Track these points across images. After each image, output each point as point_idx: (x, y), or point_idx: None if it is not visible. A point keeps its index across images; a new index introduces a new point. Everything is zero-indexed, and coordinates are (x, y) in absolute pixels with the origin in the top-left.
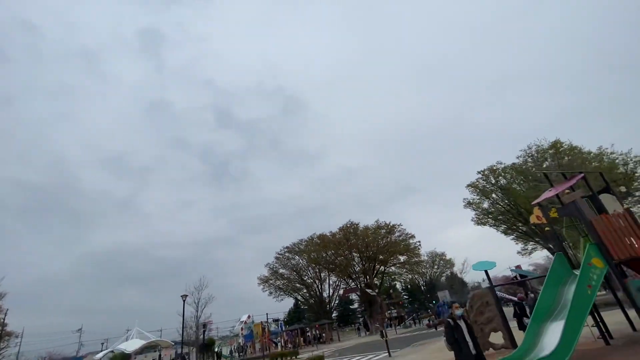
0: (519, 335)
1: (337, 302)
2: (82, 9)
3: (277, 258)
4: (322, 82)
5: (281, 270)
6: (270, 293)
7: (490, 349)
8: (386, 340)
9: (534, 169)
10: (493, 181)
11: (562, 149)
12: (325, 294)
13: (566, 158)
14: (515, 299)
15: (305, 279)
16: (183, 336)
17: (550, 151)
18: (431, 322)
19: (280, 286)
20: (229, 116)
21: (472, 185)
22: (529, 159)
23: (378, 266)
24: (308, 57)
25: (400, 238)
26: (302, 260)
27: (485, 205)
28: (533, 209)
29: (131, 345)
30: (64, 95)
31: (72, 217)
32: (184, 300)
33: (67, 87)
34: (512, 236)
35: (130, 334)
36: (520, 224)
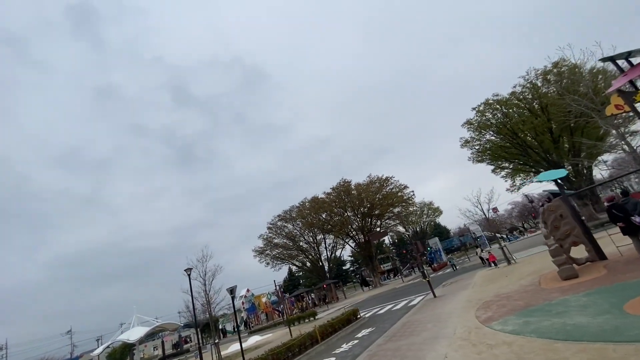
0: (622, 241)
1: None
2: None
3: (269, 228)
4: (279, 49)
5: (275, 240)
6: (267, 264)
7: (574, 264)
8: (429, 281)
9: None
10: (489, 115)
11: (564, 68)
12: (323, 257)
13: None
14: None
15: (301, 244)
16: (195, 315)
17: (554, 70)
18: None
19: (277, 255)
20: (186, 94)
21: (468, 123)
22: (527, 86)
23: (374, 221)
24: (260, 22)
25: (394, 190)
26: (296, 226)
27: (487, 137)
28: (610, 98)
29: (134, 334)
30: None
31: (29, 221)
32: (188, 275)
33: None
34: (503, 173)
35: (130, 322)
36: (521, 155)
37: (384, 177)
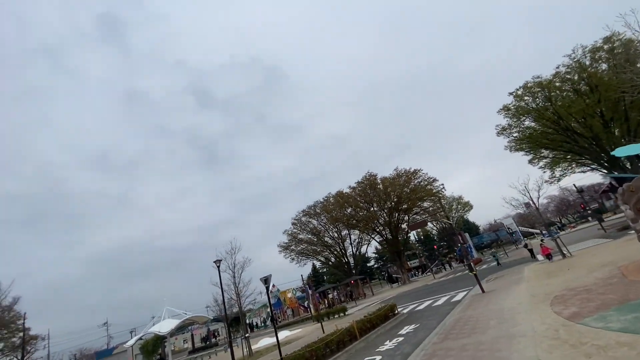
0: None
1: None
2: (31, 3)
3: (294, 224)
4: (298, 47)
5: (300, 236)
6: (292, 259)
7: None
8: (476, 275)
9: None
10: (529, 99)
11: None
12: (348, 253)
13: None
14: None
15: (326, 239)
16: (225, 307)
17: (605, 47)
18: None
19: (302, 251)
20: (208, 96)
21: (505, 109)
22: (573, 66)
23: (402, 216)
24: (278, 21)
25: (423, 183)
26: (320, 221)
27: (527, 123)
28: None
29: (165, 327)
30: (33, 99)
31: (68, 220)
32: (218, 266)
33: (35, 89)
34: (541, 164)
35: (161, 315)
36: (565, 142)
37: (411, 170)
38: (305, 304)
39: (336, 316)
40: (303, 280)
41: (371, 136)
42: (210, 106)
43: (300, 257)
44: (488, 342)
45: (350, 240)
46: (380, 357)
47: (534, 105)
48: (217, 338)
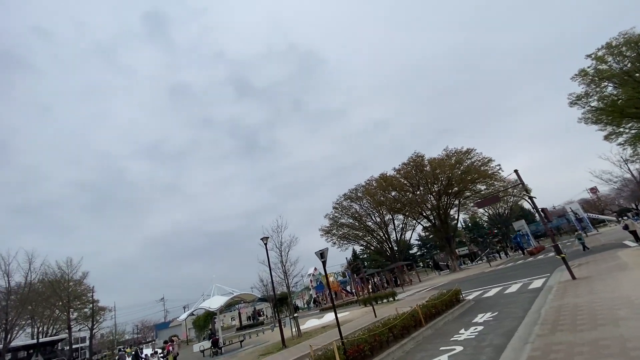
0: None
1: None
2: (85, 6)
3: (335, 208)
4: (334, 32)
5: (342, 220)
6: (334, 243)
7: None
8: (564, 258)
9: None
10: (612, 61)
11: None
12: (392, 238)
13: None
14: None
15: (368, 224)
16: (273, 285)
17: None
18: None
19: (343, 235)
20: (247, 85)
21: (582, 74)
22: None
23: (452, 200)
24: (314, 6)
25: (476, 163)
26: (362, 205)
27: (609, 90)
28: None
29: (214, 303)
30: (92, 95)
31: (127, 206)
32: (265, 244)
33: (93, 87)
34: (621, 140)
35: (210, 292)
36: None
37: (463, 150)
38: (347, 288)
39: (384, 301)
40: (349, 262)
41: (412, 120)
42: (249, 96)
43: (341, 242)
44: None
45: (394, 226)
46: (460, 347)
47: (619, 67)
48: (262, 317)
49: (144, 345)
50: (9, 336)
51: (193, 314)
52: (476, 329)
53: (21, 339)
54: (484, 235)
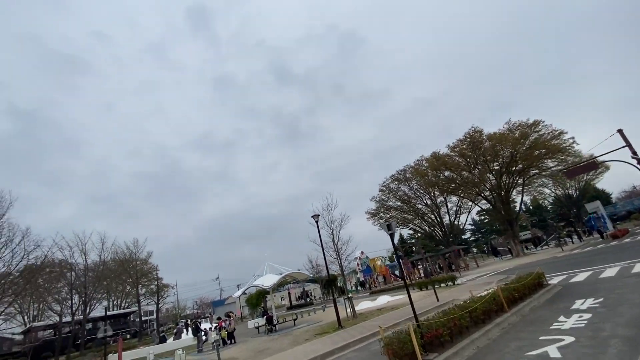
0: None
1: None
2: (136, 7)
3: (381, 190)
4: (374, 7)
5: (389, 203)
6: (381, 227)
7: None
8: None
9: None
10: None
11: None
12: (445, 221)
13: None
14: None
15: (419, 207)
16: (326, 261)
17: None
18: None
19: (392, 218)
20: (287, 72)
21: None
22: None
23: (515, 179)
24: None
25: (546, 137)
26: (412, 187)
27: None
28: None
29: (267, 281)
30: (148, 92)
31: (184, 193)
32: (316, 221)
33: (148, 84)
34: None
35: (263, 270)
36: None
37: (529, 122)
38: (396, 272)
39: (442, 285)
40: (401, 245)
41: (462, 97)
42: (289, 83)
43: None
44: None
45: (447, 208)
46: (570, 338)
47: None
48: (310, 298)
49: (202, 319)
50: (87, 308)
51: (245, 293)
52: (582, 316)
53: (99, 310)
54: (553, 217)
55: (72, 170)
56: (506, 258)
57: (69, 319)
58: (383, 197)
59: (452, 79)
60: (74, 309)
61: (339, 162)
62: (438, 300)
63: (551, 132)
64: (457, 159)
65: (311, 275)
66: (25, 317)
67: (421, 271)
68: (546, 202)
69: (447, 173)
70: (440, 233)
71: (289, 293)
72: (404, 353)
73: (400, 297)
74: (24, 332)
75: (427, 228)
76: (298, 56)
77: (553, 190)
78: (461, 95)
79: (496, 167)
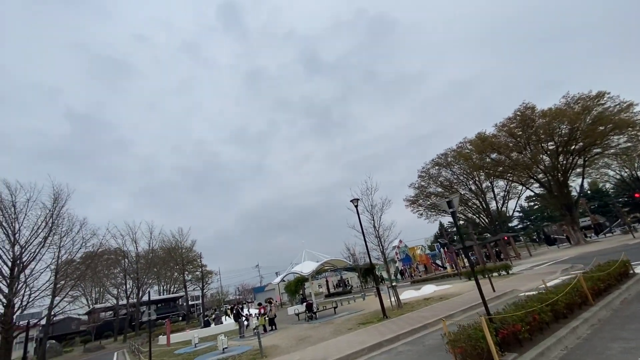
0: None
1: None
2: (171, 9)
3: (420, 176)
4: None
5: (429, 189)
6: (421, 214)
7: None
8: None
9: None
10: None
11: None
12: (491, 208)
13: None
14: None
15: (462, 192)
16: (367, 246)
17: None
18: None
19: (431, 205)
20: (316, 61)
21: None
22: None
23: (574, 159)
24: None
25: (611, 110)
26: (455, 172)
27: None
28: None
29: (306, 268)
30: (186, 90)
31: (222, 186)
32: (356, 206)
33: (185, 82)
34: None
35: (301, 257)
36: None
37: (591, 94)
38: (438, 262)
39: (493, 274)
40: (445, 231)
41: (502, 78)
42: (320, 72)
43: (429, 212)
44: None
45: (494, 194)
46: None
47: None
48: (350, 286)
49: (243, 305)
50: (140, 292)
51: (284, 280)
52: None
53: (150, 294)
54: (616, 202)
55: (123, 167)
56: (564, 246)
57: (125, 302)
58: (422, 183)
59: (491, 57)
60: (128, 293)
61: (372, 150)
62: (494, 290)
63: (618, 104)
64: (505, 139)
65: (350, 263)
66: (88, 299)
67: (465, 260)
68: (607, 186)
69: (493, 155)
70: (486, 220)
71: (327, 281)
72: (475, 352)
73: (447, 286)
74: (87, 313)
75: (471, 215)
76: (328, 44)
77: (618, 172)
78: (502, 74)
79: (551, 147)
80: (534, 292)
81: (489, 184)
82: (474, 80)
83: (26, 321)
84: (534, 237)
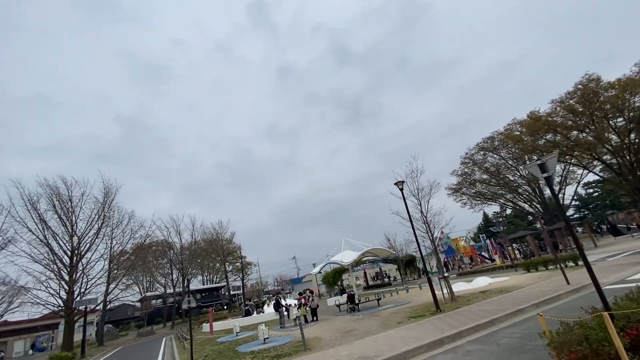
0: None
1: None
2: (203, 11)
3: (464, 163)
4: None
5: (473, 177)
6: (464, 203)
7: None
8: None
9: None
10: None
11: None
12: (546, 195)
13: None
14: None
15: (511, 178)
16: (415, 233)
17: None
18: None
19: (476, 194)
20: (346, 52)
21: None
22: None
23: None
24: None
25: None
26: (501, 157)
27: None
28: None
29: (346, 257)
30: (220, 89)
31: (258, 181)
32: (401, 189)
33: (220, 81)
34: None
35: (340, 246)
36: None
37: None
38: (483, 253)
39: (556, 266)
40: (500, 219)
41: (551, 56)
42: (349, 63)
43: (474, 201)
44: None
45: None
46: None
47: None
48: (389, 278)
49: (282, 295)
50: (185, 281)
51: (320, 272)
52: None
53: (195, 284)
54: None
55: (167, 166)
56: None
57: (172, 290)
58: (466, 170)
59: (537, 33)
60: (174, 282)
61: (406, 141)
62: (568, 282)
63: None
64: (562, 117)
65: (394, 252)
66: (140, 288)
67: (517, 252)
68: None
69: (548, 136)
70: (540, 208)
71: (365, 273)
72: (598, 359)
73: (504, 278)
74: (140, 300)
75: (521, 204)
76: (356, 34)
77: None
78: (551, 52)
79: (620, 123)
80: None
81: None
82: (517, 61)
83: (84, 306)
84: (595, 227)
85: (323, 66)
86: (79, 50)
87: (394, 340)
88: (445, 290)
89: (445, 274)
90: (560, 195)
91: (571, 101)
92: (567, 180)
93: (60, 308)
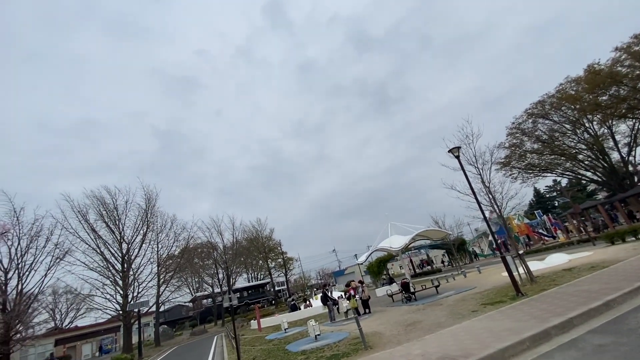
0: None
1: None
2: (222, 18)
3: (510, 134)
4: None
5: (524, 147)
6: (515, 178)
7: None
8: None
9: None
10: None
11: None
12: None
13: None
14: None
15: (570, 144)
16: (480, 206)
17: None
18: None
19: (528, 166)
20: (365, 38)
21: None
22: None
23: None
24: None
25: None
26: (555, 121)
27: None
28: None
29: (395, 242)
30: (245, 93)
31: (289, 179)
32: (457, 156)
33: (244, 85)
34: None
35: (386, 231)
36: None
37: None
38: (540, 230)
39: None
40: (537, 201)
41: (596, 10)
42: (370, 49)
43: (527, 175)
44: None
45: (614, 141)
46: None
47: None
48: (436, 265)
49: (329, 288)
50: (231, 280)
51: (362, 263)
52: None
53: (240, 282)
54: None
55: (203, 172)
56: None
57: (219, 289)
58: (514, 141)
59: None
60: (220, 282)
61: (438, 122)
62: None
63: None
64: (626, 69)
65: (450, 232)
66: (190, 288)
67: (587, 225)
68: None
69: (612, 90)
70: (606, 174)
71: (410, 260)
72: None
73: (586, 254)
74: (191, 301)
75: (582, 172)
76: (375, 18)
77: None
78: (595, 6)
79: None
80: None
81: (607, 130)
82: (554, 21)
83: (137, 309)
84: None
85: (343, 56)
86: (114, 73)
87: (479, 333)
88: (521, 270)
89: (520, 252)
90: (631, 158)
91: (637, 48)
92: (637, 141)
93: (117, 312)
